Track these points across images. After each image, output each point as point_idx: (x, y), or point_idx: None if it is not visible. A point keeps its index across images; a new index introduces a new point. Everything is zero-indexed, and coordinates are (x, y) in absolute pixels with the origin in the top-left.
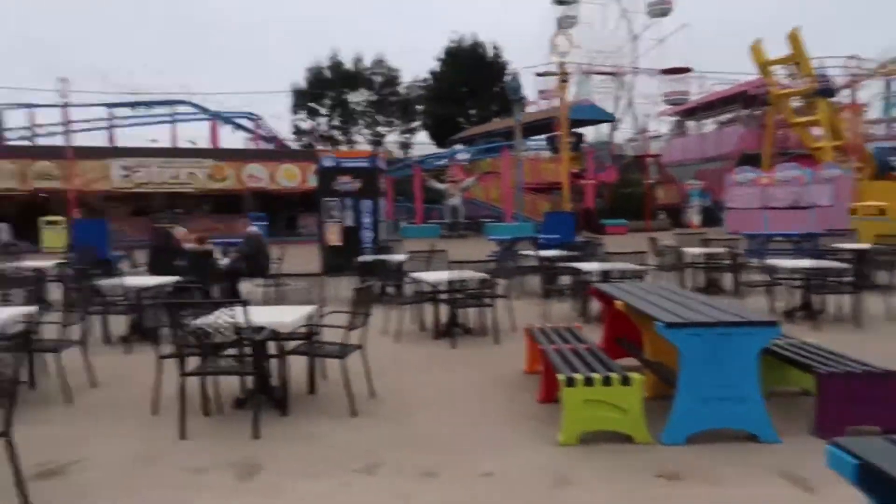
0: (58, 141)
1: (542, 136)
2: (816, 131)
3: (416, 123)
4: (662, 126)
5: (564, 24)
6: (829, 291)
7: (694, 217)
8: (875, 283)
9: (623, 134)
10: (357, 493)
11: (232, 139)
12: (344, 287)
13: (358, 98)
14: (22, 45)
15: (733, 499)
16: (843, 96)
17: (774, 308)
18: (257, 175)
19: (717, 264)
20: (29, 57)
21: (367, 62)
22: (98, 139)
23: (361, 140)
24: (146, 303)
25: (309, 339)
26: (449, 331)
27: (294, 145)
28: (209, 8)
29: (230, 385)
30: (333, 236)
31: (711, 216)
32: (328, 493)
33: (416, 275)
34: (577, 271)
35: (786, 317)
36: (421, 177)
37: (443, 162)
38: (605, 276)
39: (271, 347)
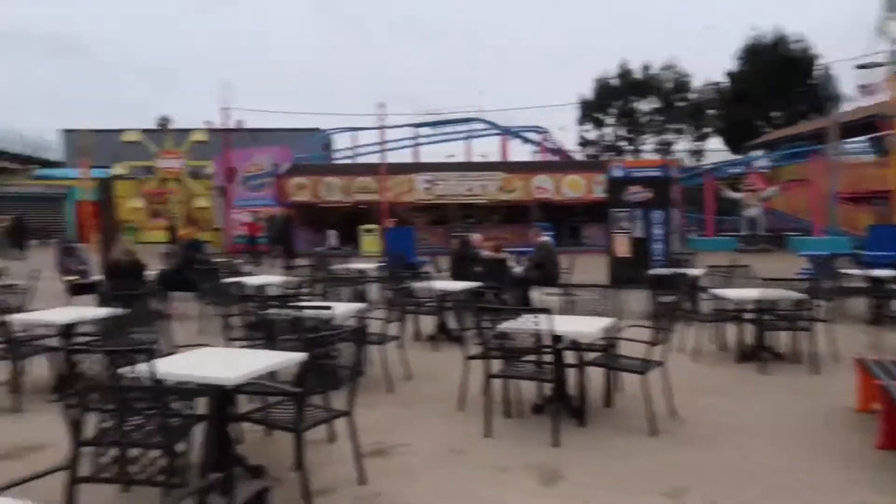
0: (374, 158)
1: (864, 138)
2: None
3: (707, 129)
4: None
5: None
6: None
7: None
8: None
9: None
10: None
11: (520, 152)
12: (633, 300)
13: (646, 106)
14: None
15: None
16: None
17: None
18: (544, 186)
19: None
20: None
21: (656, 68)
22: (405, 156)
23: (648, 149)
24: (449, 306)
25: (607, 352)
26: (756, 354)
27: (579, 156)
28: (506, 32)
29: (529, 390)
30: (622, 247)
31: None
32: None
33: (716, 291)
34: None
35: None
36: (713, 186)
37: (738, 169)
38: None
39: (569, 357)
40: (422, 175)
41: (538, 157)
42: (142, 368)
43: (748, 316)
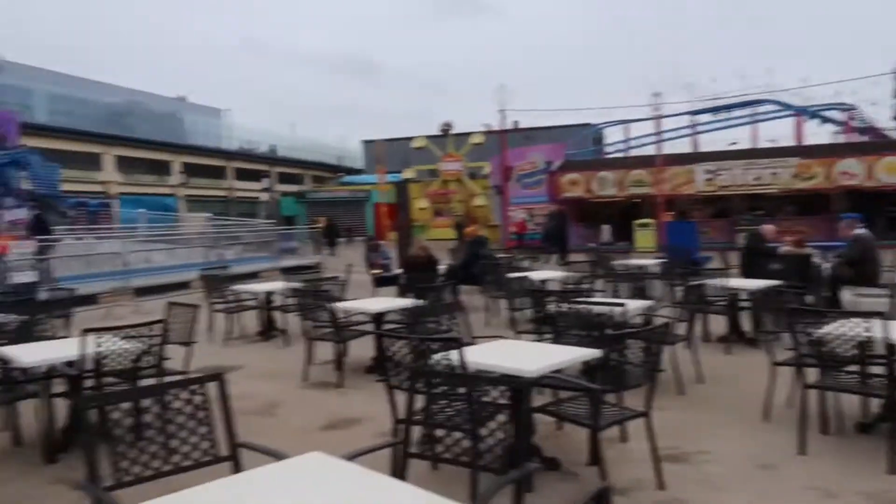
0: (648, 150)
1: None
2: None
3: None
4: None
5: None
6: None
7: None
8: None
9: None
10: None
11: (817, 134)
12: None
13: None
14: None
15: None
16: None
17: None
18: (851, 171)
19: None
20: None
21: None
22: (683, 146)
23: None
24: (743, 305)
25: None
26: None
27: None
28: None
29: (849, 404)
30: None
31: None
32: None
33: None
34: None
35: None
36: None
37: None
38: None
39: None
40: (702, 165)
41: (841, 139)
42: (454, 356)
43: None
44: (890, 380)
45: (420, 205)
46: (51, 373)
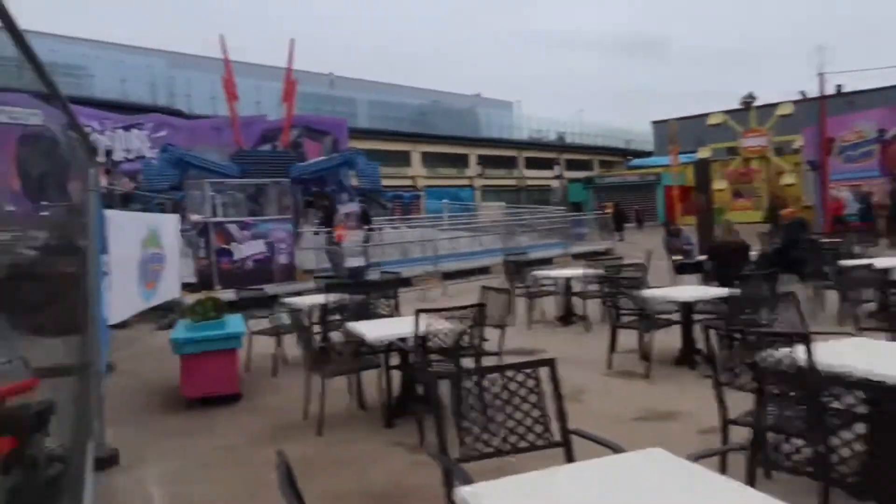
0: None
1: None
2: None
3: None
4: None
5: None
6: None
7: None
8: None
9: None
10: None
11: None
12: None
13: None
14: None
15: None
16: None
17: None
18: None
19: None
20: None
21: None
22: None
23: None
24: None
25: None
26: None
27: None
28: None
29: None
30: None
31: None
32: None
33: None
34: None
35: None
36: None
37: None
38: None
39: None
40: None
41: None
42: (799, 353)
43: None
44: None
45: (717, 185)
46: (389, 347)
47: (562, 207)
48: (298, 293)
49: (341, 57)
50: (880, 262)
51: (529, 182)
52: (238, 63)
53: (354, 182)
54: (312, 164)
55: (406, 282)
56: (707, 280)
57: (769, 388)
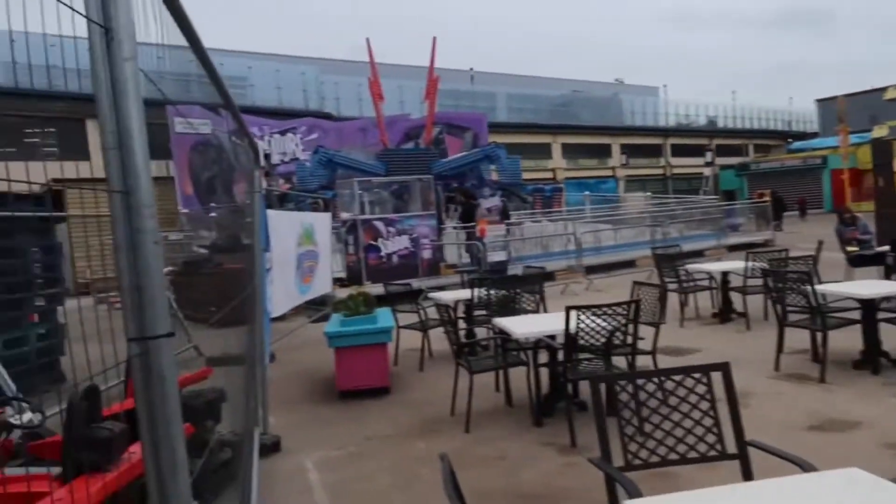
0: None
1: None
2: None
3: None
4: None
5: None
6: None
7: None
8: None
9: None
10: None
11: None
12: None
13: None
14: None
15: None
16: None
17: None
18: None
19: None
20: None
21: None
22: None
23: None
24: None
25: None
26: None
27: None
28: None
29: None
30: None
31: None
32: None
33: None
34: None
35: None
36: None
37: None
38: None
39: None
40: None
41: None
42: None
43: None
44: None
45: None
46: (538, 344)
47: (713, 196)
48: (442, 287)
49: (483, 51)
50: None
51: (676, 170)
52: (382, 65)
53: (495, 176)
54: (454, 160)
55: (549, 276)
56: (890, 274)
57: None
